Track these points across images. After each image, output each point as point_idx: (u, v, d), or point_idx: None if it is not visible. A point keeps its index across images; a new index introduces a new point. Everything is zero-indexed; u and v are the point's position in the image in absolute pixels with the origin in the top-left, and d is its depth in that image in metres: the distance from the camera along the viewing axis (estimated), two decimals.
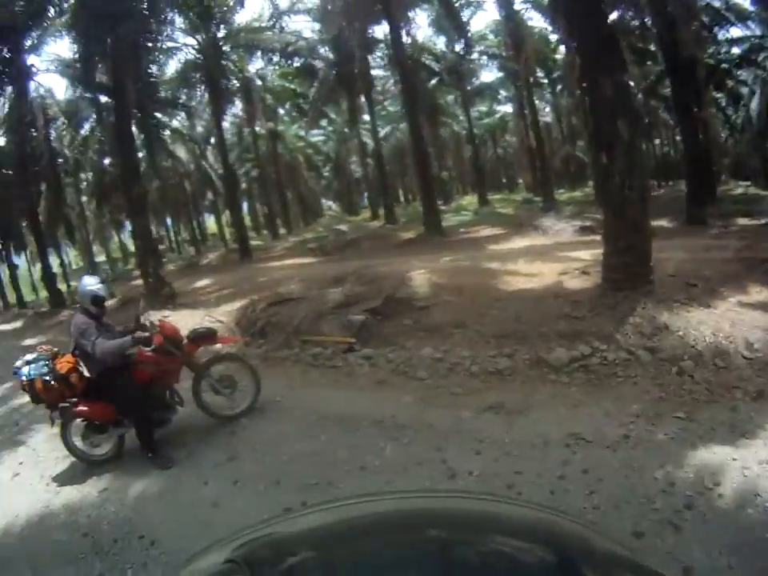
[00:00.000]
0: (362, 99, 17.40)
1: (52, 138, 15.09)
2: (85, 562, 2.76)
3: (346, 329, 5.73)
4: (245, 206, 34.35)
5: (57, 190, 16.66)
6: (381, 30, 15.09)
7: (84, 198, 22.52)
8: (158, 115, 16.81)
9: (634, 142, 4.70)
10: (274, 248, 19.66)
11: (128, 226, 23.54)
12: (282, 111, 21.97)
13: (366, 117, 19.86)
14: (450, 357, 4.71)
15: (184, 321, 7.95)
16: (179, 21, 13.28)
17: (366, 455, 3.36)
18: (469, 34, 16.77)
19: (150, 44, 10.35)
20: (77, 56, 9.89)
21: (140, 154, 15.58)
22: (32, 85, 13.35)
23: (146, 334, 3.84)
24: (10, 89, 12.64)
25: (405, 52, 13.69)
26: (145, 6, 8.96)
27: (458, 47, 17.96)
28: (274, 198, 26.60)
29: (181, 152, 23.35)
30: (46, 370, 3.66)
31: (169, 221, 30.94)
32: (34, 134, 13.33)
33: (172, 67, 16.05)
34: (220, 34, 15.38)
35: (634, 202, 4.67)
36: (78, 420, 3.88)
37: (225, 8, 14.17)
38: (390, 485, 2.94)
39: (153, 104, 12.64)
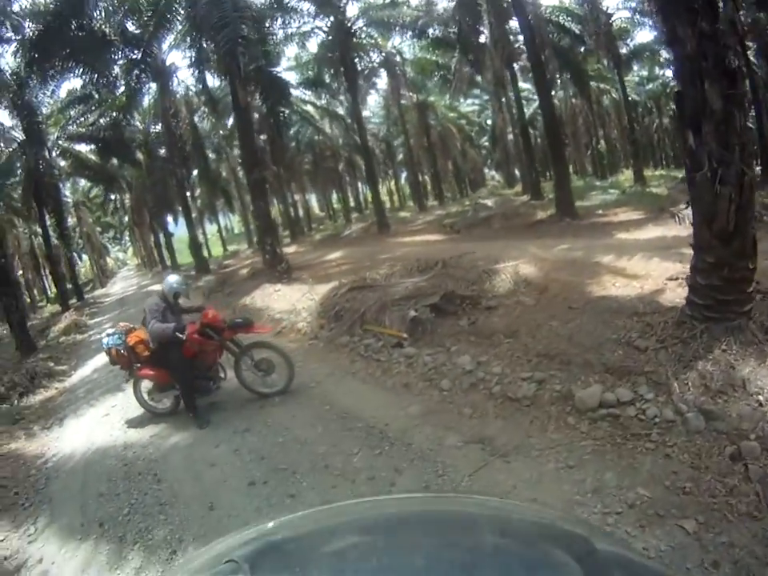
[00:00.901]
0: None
1: (199, 125, 18.27)
2: (115, 484, 3.85)
3: (404, 322, 5.80)
4: (403, 176, 35.92)
5: (205, 168, 20.28)
6: None
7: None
8: (305, 95, 18.92)
9: (732, 116, 3.48)
10: (414, 221, 20.19)
11: (287, 195, 27.00)
12: (430, 84, 21.94)
13: (522, 84, 18.68)
14: (480, 370, 4.40)
15: (289, 295, 9.15)
16: (306, 6, 14.37)
17: (337, 456, 3.59)
18: None
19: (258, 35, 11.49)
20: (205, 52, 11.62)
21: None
22: (176, 80, 16.05)
23: (188, 322, 4.73)
24: (154, 85, 15.39)
25: (526, 14, 12.20)
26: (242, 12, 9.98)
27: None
28: (424, 170, 27.01)
29: (330, 128, 25.55)
30: (120, 341, 4.85)
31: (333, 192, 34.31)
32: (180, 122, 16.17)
33: (312, 49, 17.77)
34: (350, 13, 16.16)
35: (725, 201, 3.54)
36: (146, 380, 5.01)
37: None
38: (333, 489, 3.19)
39: (276, 92, 14.25)
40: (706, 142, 3.55)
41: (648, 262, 6.02)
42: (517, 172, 26.14)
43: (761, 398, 3.10)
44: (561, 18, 15.95)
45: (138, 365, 4.87)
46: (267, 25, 13.30)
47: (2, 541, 3.45)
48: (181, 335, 4.50)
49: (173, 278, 4.92)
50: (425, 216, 21.19)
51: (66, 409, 6.40)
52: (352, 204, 35.23)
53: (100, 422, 5.39)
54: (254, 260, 15.68)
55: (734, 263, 3.66)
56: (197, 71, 13.14)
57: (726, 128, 3.49)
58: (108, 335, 4.98)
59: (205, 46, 11.31)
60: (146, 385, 5.08)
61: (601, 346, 4.04)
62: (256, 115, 16.46)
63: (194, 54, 12.39)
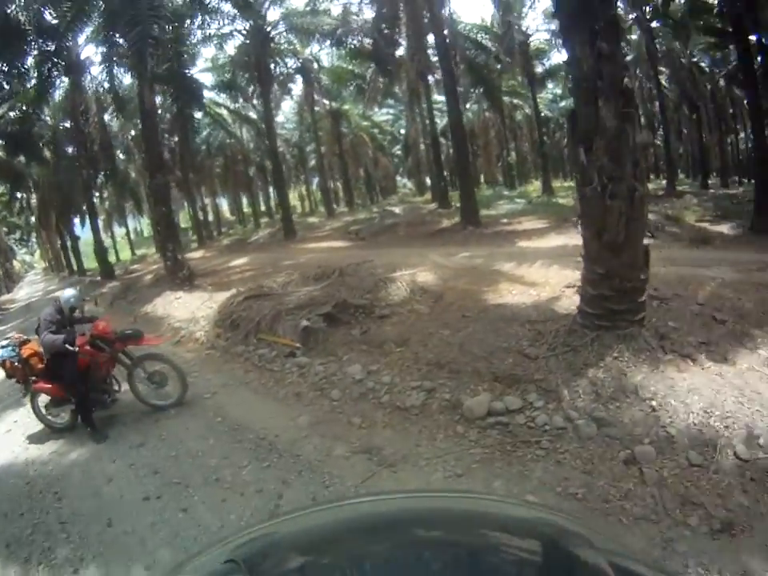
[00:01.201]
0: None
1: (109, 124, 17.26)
2: (18, 503, 3.73)
3: (297, 332, 5.75)
4: (315, 181, 35.90)
5: (113, 169, 19.24)
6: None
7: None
8: (219, 98, 18.35)
9: (625, 133, 3.67)
10: (322, 227, 20.27)
11: (197, 198, 25.85)
12: (345, 92, 22.43)
13: (437, 97, 19.58)
14: (370, 380, 4.48)
15: (190, 303, 8.73)
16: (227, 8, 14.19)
17: (227, 469, 3.57)
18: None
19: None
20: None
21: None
22: (89, 76, 15.19)
23: (78, 332, 4.62)
24: (66, 80, 14.50)
25: (442, 31, 13.03)
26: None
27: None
28: (336, 176, 27.30)
29: (242, 132, 25.29)
30: (14, 353, 4.67)
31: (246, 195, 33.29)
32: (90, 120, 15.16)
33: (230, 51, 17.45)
34: (271, 18, 16.29)
35: (615, 214, 3.71)
36: (43, 394, 4.78)
37: None
38: (223, 503, 3.15)
39: (188, 94, 13.67)
40: (597, 157, 3.74)
41: (547, 270, 6.42)
42: (428, 180, 27.36)
43: (654, 403, 3.21)
44: (479, 35, 16.99)
45: (34, 378, 4.71)
46: (184, 25, 13.07)
47: None
48: (71, 347, 4.39)
49: (69, 292, 4.88)
50: (333, 222, 21.38)
51: None
52: (263, 209, 34.63)
53: (1, 439, 5.05)
54: (160, 265, 14.97)
55: (625, 274, 3.85)
56: (106, 68, 12.60)
57: (618, 144, 3.68)
58: (1, 347, 4.73)
59: (118, 42, 10.84)
60: (43, 399, 4.86)
61: (491, 355, 4.26)
62: (168, 115, 16.00)
63: (104, 51, 11.85)
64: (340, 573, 0.84)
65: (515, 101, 26.93)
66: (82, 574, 2.82)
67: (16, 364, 4.66)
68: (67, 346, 4.37)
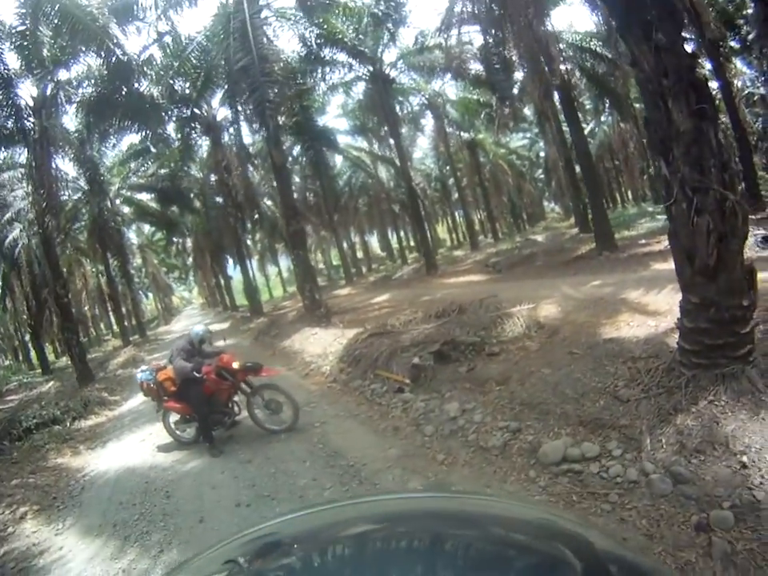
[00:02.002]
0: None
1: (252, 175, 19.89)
2: (135, 496, 4.83)
3: (407, 369, 6.23)
4: (457, 214, 36.65)
5: (258, 217, 22.00)
6: None
7: None
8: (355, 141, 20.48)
9: (703, 134, 3.22)
10: (464, 261, 20.76)
11: (344, 238, 28.50)
12: (477, 122, 22.75)
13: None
14: (463, 418, 4.67)
15: (324, 339, 9.90)
16: (342, 57, 15.54)
17: (312, 489, 4.10)
18: None
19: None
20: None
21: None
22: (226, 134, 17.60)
23: (207, 362, 5.65)
24: (207, 139, 17.44)
25: (548, 49, 12.35)
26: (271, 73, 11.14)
27: None
28: (480, 207, 27.50)
29: (381, 172, 27.20)
30: (150, 377, 5.85)
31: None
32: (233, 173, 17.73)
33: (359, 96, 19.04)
34: (388, 59, 17.24)
35: (703, 232, 3.28)
36: (173, 412, 5.91)
37: (383, 41, 15.90)
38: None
39: (320, 142, 15.27)
40: (678, 168, 3.33)
41: (675, 296, 5.71)
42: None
43: (745, 458, 2.84)
44: (592, 44, 15.76)
45: (166, 398, 5.81)
46: (303, 81, 14.71)
47: (35, 532, 4.58)
48: (197, 374, 5.40)
49: (199, 328, 6.01)
50: (476, 255, 21.79)
51: (111, 433, 7.59)
52: (412, 244, 36.43)
53: (136, 446, 6.49)
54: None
55: (722, 301, 3.39)
56: (233, 129, 15.12)
57: (698, 149, 3.28)
58: (141, 371, 6.07)
59: (242, 105, 12.72)
60: (173, 416, 6.00)
61: (583, 396, 4.16)
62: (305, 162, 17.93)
63: (231, 115, 14.15)
64: (340, 573, 0.86)
65: None
66: (164, 555, 3.61)
67: (152, 385, 5.78)
68: (194, 373, 5.36)
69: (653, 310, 5.73)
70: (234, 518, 3.92)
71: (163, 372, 5.80)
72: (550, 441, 3.81)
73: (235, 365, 5.60)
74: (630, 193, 32.21)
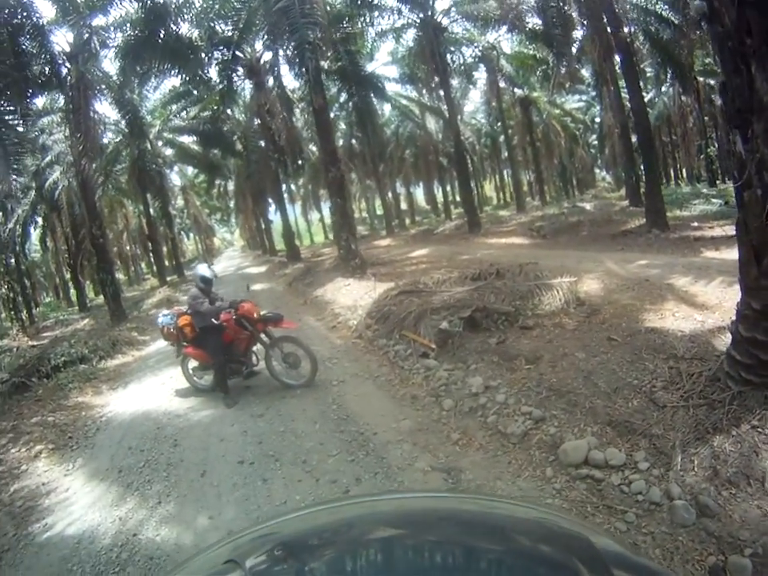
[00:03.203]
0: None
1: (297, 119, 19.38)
2: (144, 441, 4.91)
3: (436, 333, 5.94)
4: (506, 173, 35.17)
5: (300, 161, 21.43)
6: None
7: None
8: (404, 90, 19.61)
9: None
10: (509, 222, 20.07)
11: (388, 188, 27.95)
12: (533, 79, 21.25)
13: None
14: (486, 395, 4.40)
15: (356, 291, 9.77)
16: (391, 2, 14.62)
17: (317, 454, 4.01)
18: None
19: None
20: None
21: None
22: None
23: (228, 309, 5.50)
24: (250, 82, 16.99)
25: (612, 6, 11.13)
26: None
27: None
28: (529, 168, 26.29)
29: (430, 123, 25.98)
30: (171, 321, 5.86)
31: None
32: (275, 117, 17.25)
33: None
34: (440, 7, 16.50)
35: None
36: (192, 358, 5.94)
37: None
38: (298, 483, 3.64)
39: (364, 88, 14.49)
40: (756, 146, 2.82)
41: (725, 291, 5.50)
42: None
43: None
44: (658, 6, 14.50)
45: (185, 344, 5.84)
46: (349, 24, 14.06)
47: (46, 471, 4.70)
48: (215, 321, 5.38)
49: (200, 267, 5.98)
50: (521, 217, 21.08)
51: (134, 374, 7.80)
52: (458, 199, 35.53)
53: (155, 389, 6.65)
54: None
55: None
56: (275, 72, 14.71)
57: None
58: (163, 315, 6.11)
59: (282, 48, 12.27)
60: (192, 362, 6.07)
61: (615, 392, 3.80)
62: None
63: (270, 57, 13.73)
64: (340, 573, 0.86)
65: (713, 82, 21.46)
66: (162, 506, 3.64)
67: (172, 330, 5.81)
68: (213, 320, 5.35)
69: (701, 303, 5.33)
70: (234, 475, 3.92)
71: (184, 317, 5.78)
72: (573, 438, 3.50)
73: (255, 314, 5.51)
74: (684, 171, 29.71)
